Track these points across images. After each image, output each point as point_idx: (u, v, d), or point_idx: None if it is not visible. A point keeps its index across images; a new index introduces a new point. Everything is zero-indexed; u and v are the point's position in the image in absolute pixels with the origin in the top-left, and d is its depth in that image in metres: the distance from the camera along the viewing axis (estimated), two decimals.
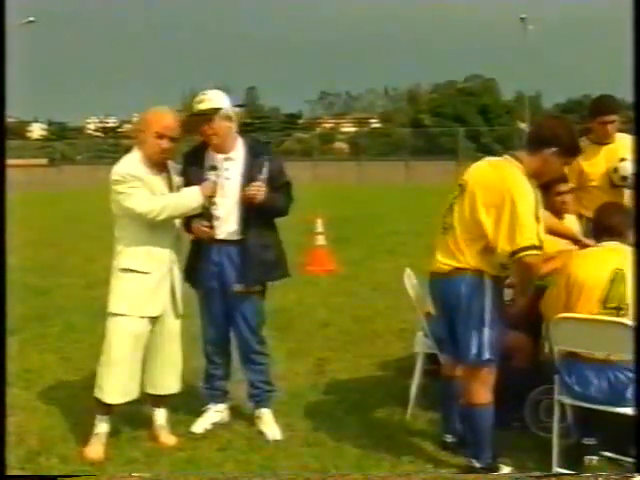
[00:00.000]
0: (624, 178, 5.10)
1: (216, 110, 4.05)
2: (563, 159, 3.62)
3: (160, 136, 3.90)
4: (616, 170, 5.15)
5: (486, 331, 3.54)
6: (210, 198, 4.00)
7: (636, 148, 4.06)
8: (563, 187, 4.69)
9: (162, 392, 4.15)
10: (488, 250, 3.53)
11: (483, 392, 3.61)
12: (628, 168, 5.04)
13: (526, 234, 3.38)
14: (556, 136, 3.57)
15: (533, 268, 3.47)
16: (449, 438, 3.98)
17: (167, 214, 3.90)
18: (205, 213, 4.04)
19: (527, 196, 3.45)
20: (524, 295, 3.77)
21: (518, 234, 3.39)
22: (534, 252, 3.40)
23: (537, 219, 3.43)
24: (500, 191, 3.48)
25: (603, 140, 5.27)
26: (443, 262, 3.64)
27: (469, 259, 3.55)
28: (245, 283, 4.15)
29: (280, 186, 4.21)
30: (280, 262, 4.31)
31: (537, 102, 68.20)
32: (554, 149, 3.55)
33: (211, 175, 4.03)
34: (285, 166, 4.32)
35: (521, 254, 3.39)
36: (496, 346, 3.59)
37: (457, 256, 3.58)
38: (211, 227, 4.07)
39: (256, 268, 4.15)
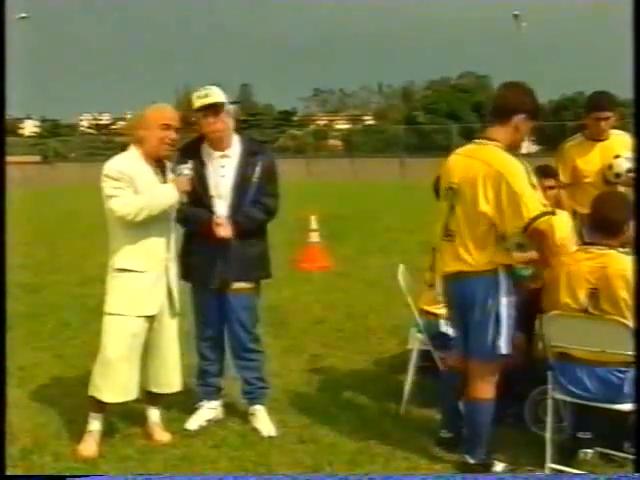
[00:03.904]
0: (618, 175, 5.08)
1: (222, 104, 4.07)
2: (530, 123, 3.68)
3: (166, 127, 3.91)
4: (610, 167, 5.14)
5: (503, 326, 3.57)
6: (186, 193, 3.98)
7: (636, 147, 4.03)
8: (547, 182, 4.68)
9: (165, 390, 4.14)
10: (498, 239, 3.55)
11: (487, 388, 3.64)
12: (622, 165, 5.03)
13: (531, 205, 3.43)
14: (522, 102, 3.66)
15: (549, 234, 3.51)
16: (445, 433, 3.98)
17: (144, 215, 3.84)
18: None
19: (518, 170, 3.49)
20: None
21: (524, 208, 3.43)
22: (545, 218, 3.44)
23: (534, 187, 3.48)
24: (491, 176, 3.50)
25: (597, 137, 5.26)
26: (454, 268, 3.65)
27: (480, 258, 3.56)
28: (235, 280, 4.15)
29: (268, 186, 4.21)
30: (266, 263, 4.31)
31: None
32: (523, 115, 3.63)
33: (184, 169, 3.99)
34: (276, 164, 4.32)
35: (534, 224, 3.43)
36: (511, 342, 3.61)
37: (467, 260, 3.58)
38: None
39: (244, 266, 4.15)
